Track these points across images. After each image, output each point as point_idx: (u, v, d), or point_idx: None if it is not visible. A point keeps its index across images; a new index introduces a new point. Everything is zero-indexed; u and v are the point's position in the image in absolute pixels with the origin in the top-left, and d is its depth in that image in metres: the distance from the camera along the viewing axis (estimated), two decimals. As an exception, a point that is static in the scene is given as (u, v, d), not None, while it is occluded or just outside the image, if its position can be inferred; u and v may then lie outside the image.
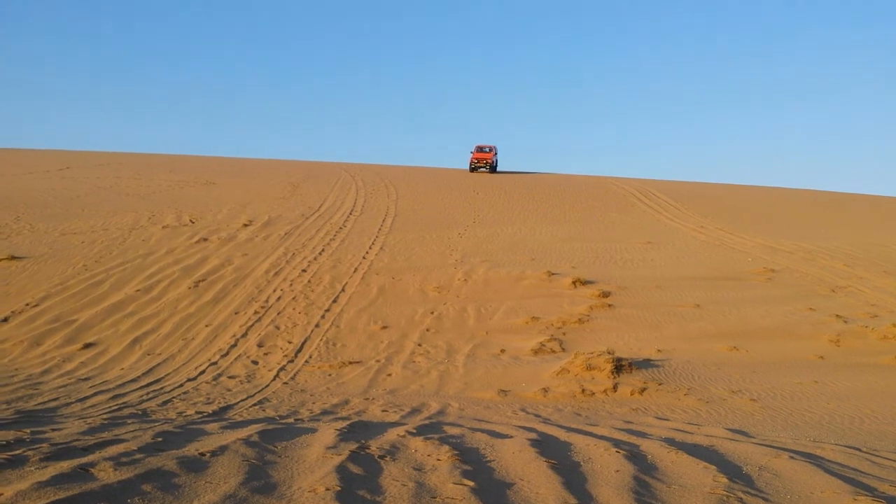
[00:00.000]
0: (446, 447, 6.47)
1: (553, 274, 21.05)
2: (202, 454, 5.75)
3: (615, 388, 12.01)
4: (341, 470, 5.41)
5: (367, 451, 6.23)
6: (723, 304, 18.08)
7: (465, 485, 5.18)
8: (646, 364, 13.27)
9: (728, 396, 11.52)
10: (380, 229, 29.18)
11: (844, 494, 5.32)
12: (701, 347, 14.87)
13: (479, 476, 5.53)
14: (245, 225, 28.52)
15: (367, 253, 24.54)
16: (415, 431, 7.47)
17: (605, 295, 19.00)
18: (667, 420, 10.05)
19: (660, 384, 12.12)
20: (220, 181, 44.09)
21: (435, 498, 4.85)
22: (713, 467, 6.03)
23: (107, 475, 4.78)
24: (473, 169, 52.04)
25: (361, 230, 28.83)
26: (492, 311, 18.15)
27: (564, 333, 16.30)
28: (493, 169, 52.34)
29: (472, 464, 5.95)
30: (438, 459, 6.01)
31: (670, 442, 7.46)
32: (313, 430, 7.41)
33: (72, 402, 10.81)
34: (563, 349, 15.05)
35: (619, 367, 12.64)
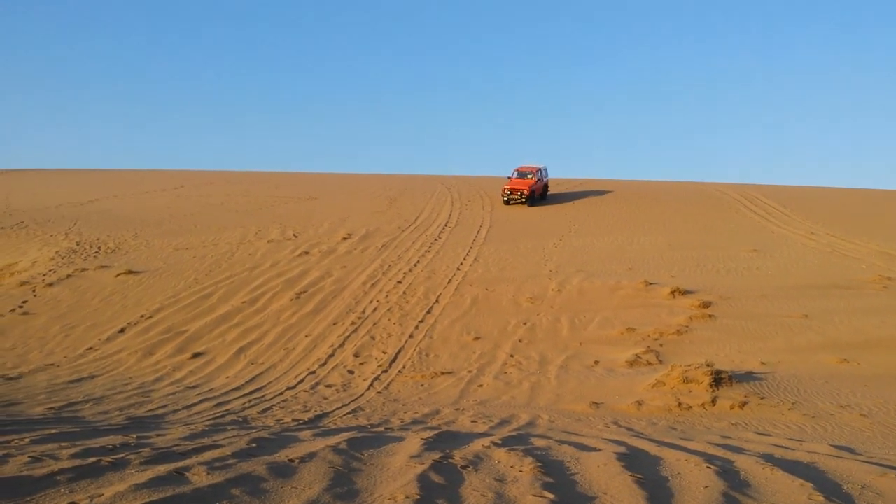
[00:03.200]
0: (530, 459, 6.44)
1: (650, 284, 20.51)
2: (291, 460, 5.97)
3: (714, 401, 11.57)
4: (422, 479, 5.49)
5: (450, 460, 6.28)
6: (833, 313, 17.08)
7: (544, 497, 5.14)
8: (748, 377, 12.71)
9: (836, 411, 10.87)
10: (474, 240, 29.34)
11: (958, 520, 4.92)
12: (808, 360, 14.10)
13: (561, 489, 5.47)
14: (344, 238, 29.37)
15: (461, 264, 24.72)
16: (500, 442, 7.47)
17: (706, 305, 18.34)
18: (768, 435, 9.59)
19: (762, 398, 11.58)
20: (322, 196, 45.60)
21: (513, 509, 4.85)
22: (809, 485, 5.72)
23: (199, 479, 5.05)
24: (507, 201, 39.30)
25: (456, 242, 29.08)
26: (586, 322, 17.88)
27: (661, 345, 15.85)
28: (535, 200, 39.61)
29: (555, 476, 5.89)
30: (521, 471, 6.00)
31: (767, 458, 7.12)
32: (400, 440, 7.54)
33: (179, 409, 11.45)
34: (660, 361, 14.65)
35: (719, 379, 12.17)
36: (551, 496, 5.18)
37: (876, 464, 6.96)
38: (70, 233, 31.99)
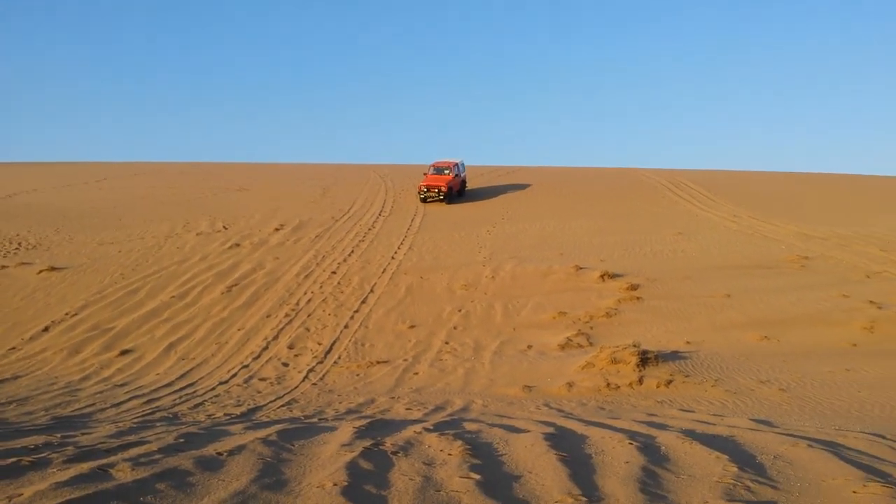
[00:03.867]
0: (459, 442, 6.55)
1: (581, 268, 20.98)
2: (219, 454, 5.92)
3: (641, 381, 11.96)
4: (351, 466, 5.53)
5: (381, 447, 6.34)
6: (754, 293, 17.83)
7: (471, 478, 5.26)
8: (673, 356, 13.17)
9: (756, 387, 11.40)
10: (408, 229, 29.38)
11: (856, 481, 5.26)
12: (730, 338, 14.71)
13: (488, 470, 5.60)
14: (276, 229, 28.97)
15: (395, 253, 24.74)
16: (431, 428, 7.57)
17: (634, 288, 18.89)
18: (691, 412, 9.98)
19: (686, 376, 12.04)
20: (253, 187, 44.81)
21: (440, 491, 4.94)
22: (725, 457, 6.01)
23: (124, 475, 4.97)
24: (424, 199, 36.61)
25: (390, 231, 29.07)
26: (519, 308, 18.18)
27: (592, 328, 16.26)
28: (452, 197, 36.96)
29: (483, 458, 6.02)
30: (450, 454, 6.10)
31: (689, 433, 7.43)
32: (333, 429, 7.56)
33: (107, 408, 11.16)
34: (591, 343, 15.03)
35: (645, 359, 12.58)
36: (478, 477, 5.30)
37: (790, 435, 7.35)
38: (-14, 229, 30.51)
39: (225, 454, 5.92)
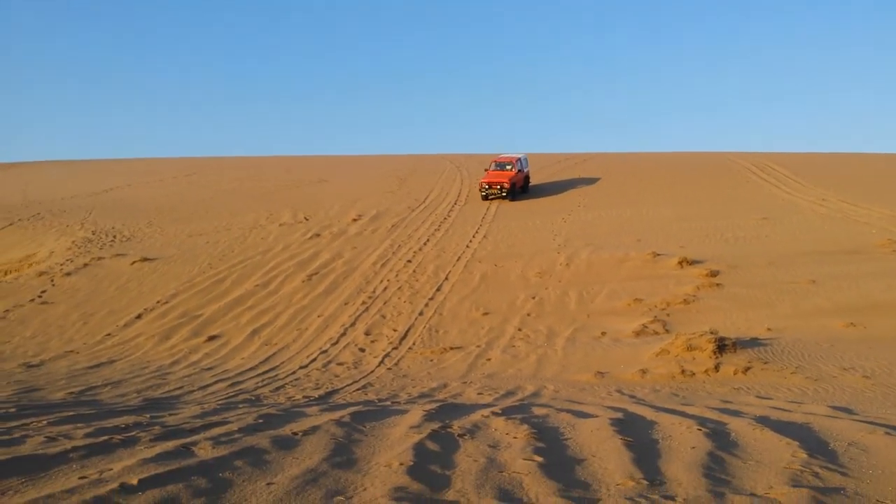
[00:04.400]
0: (525, 426, 6.65)
1: (658, 255, 20.59)
2: (295, 433, 6.23)
3: (717, 368, 11.72)
4: (418, 447, 5.72)
5: (448, 430, 6.52)
6: (841, 279, 17.10)
7: (534, 460, 5.36)
8: (753, 343, 12.83)
9: (839, 374, 10.99)
10: (483, 218, 29.48)
11: (934, 471, 5.08)
12: (814, 325, 14.19)
13: (551, 453, 5.69)
14: (354, 220, 29.62)
15: (470, 242, 24.90)
16: (499, 412, 7.69)
17: (714, 274, 18.42)
18: (768, 399, 9.74)
19: (765, 363, 11.72)
20: (333, 179, 45.83)
21: (502, 472, 5.07)
22: (796, 443, 5.89)
23: (205, 452, 5.32)
24: (486, 196, 34.47)
25: (465, 219, 29.24)
26: (594, 295, 18.04)
27: (668, 315, 15.99)
28: (515, 193, 34.63)
29: (548, 442, 6.11)
30: (515, 437, 6.22)
31: (762, 420, 7.29)
32: (403, 412, 7.79)
33: (194, 390, 11.79)
34: (667, 330, 14.79)
35: (722, 346, 12.31)
36: (540, 459, 5.39)
37: (869, 422, 7.11)
38: (85, 223, 32.47)
39: (300, 434, 6.22)
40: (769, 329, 14.12)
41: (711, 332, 12.78)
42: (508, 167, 35.35)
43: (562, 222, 27.65)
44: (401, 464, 5.19)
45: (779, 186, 35.07)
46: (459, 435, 6.33)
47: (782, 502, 4.50)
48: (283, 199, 37.61)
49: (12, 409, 7.70)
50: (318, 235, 26.85)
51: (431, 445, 5.85)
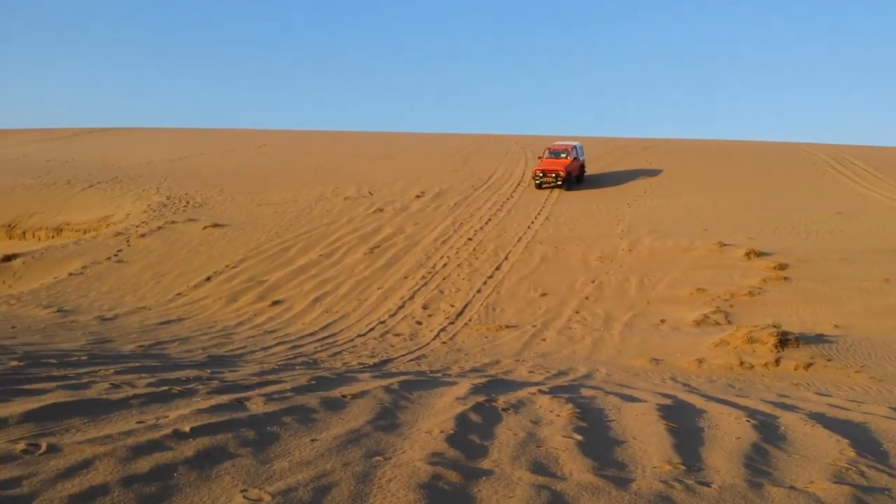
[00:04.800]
0: (570, 406, 6.68)
1: (725, 245, 20.08)
2: (344, 396, 6.43)
3: (777, 362, 11.45)
4: (461, 417, 5.83)
5: (493, 403, 6.60)
6: (919, 278, 16.35)
7: (573, 438, 5.39)
8: (817, 339, 12.46)
9: (906, 376, 10.59)
10: (546, 200, 29.27)
11: None
12: (885, 324, 13.65)
13: (592, 433, 5.71)
14: (417, 196, 29.85)
15: (532, 223, 24.80)
16: (547, 390, 7.73)
17: (782, 267, 17.87)
18: (828, 396, 9.48)
19: (829, 360, 11.38)
20: (398, 155, 46.18)
21: (540, 447, 5.12)
22: (846, 441, 5.74)
23: (256, 407, 5.56)
24: (539, 185, 32.51)
25: (528, 201, 29.10)
26: (655, 282, 17.77)
27: (732, 306, 15.64)
28: (571, 183, 32.46)
29: (590, 422, 6.13)
30: (558, 415, 6.26)
31: (816, 416, 7.12)
32: (452, 384, 7.92)
33: (256, 350, 12.22)
34: (729, 322, 14.50)
35: (785, 340, 12.00)
36: (580, 437, 5.42)
37: (930, 426, 6.86)
38: (161, 188, 33.72)
39: (349, 397, 6.41)
40: (836, 326, 13.67)
41: (774, 326, 12.49)
42: (563, 155, 33.20)
43: (626, 207, 27.22)
44: (441, 431, 5.31)
45: (857, 181, 33.55)
46: (503, 409, 6.41)
47: (821, 497, 4.41)
48: (349, 173, 38.15)
49: (84, 357, 8.18)
50: (381, 210, 27.21)
51: (474, 417, 5.95)
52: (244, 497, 3.54)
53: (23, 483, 3.43)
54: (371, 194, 30.84)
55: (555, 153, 33.56)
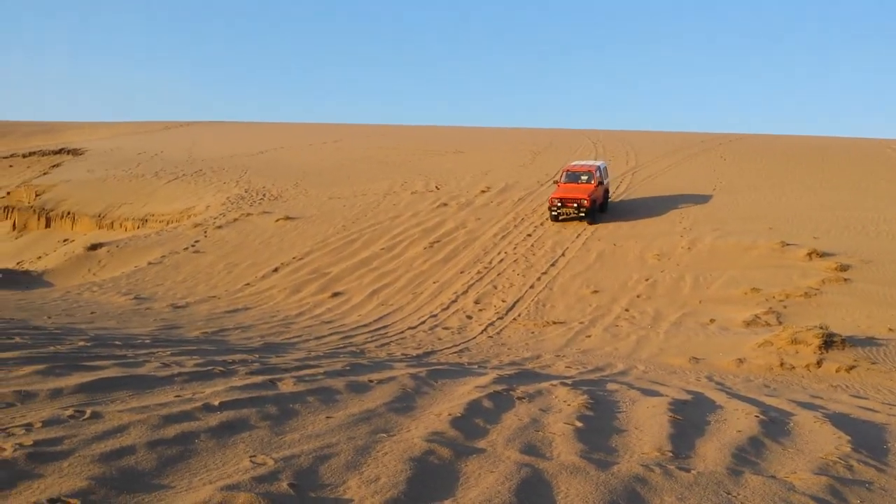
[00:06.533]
0: (584, 397, 7.04)
1: (787, 244, 19.73)
2: (371, 381, 6.99)
3: (819, 363, 11.42)
4: (473, 403, 6.29)
5: (511, 392, 7.03)
6: None
7: (574, 425, 5.77)
8: (866, 342, 12.30)
9: (953, 383, 10.40)
10: (611, 195, 29.18)
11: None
12: (944, 330, 13.29)
13: (596, 421, 6.07)
14: (482, 191, 30.29)
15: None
16: (569, 383, 8.10)
17: (843, 269, 17.48)
18: (863, 398, 9.46)
19: (873, 363, 11.27)
20: (468, 150, 46.69)
21: (539, 432, 5.54)
22: (847, 438, 5.92)
23: (286, 387, 6.18)
24: (556, 217, 24.96)
25: (592, 196, 29.04)
26: (710, 281, 17.70)
27: (785, 307, 15.48)
28: (595, 214, 24.98)
29: (599, 412, 6.48)
30: (569, 405, 6.64)
31: (834, 416, 7.24)
32: (479, 374, 8.39)
33: (310, 339, 12.99)
34: (780, 323, 14.40)
35: (830, 342, 11.92)
36: (580, 425, 5.80)
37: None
38: (240, 181, 35.36)
39: (375, 382, 6.97)
40: (891, 329, 13.40)
41: (820, 327, 12.38)
42: (585, 178, 25.91)
43: (691, 204, 26.90)
44: (449, 414, 5.79)
45: (945, 179, 32.00)
46: (519, 398, 6.83)
47: (796, 486, 4.67)
48: (418, 168, 38.93)
49: (147, 341, 9.05)
50: (445, 205, 27.79)
51: (487, 403, 6.40)
52: (251, 461, 4.11)
53: (63, 442, 4.10)
54: (437, 189, 31.48)
55: (573, 176, 26.29)
